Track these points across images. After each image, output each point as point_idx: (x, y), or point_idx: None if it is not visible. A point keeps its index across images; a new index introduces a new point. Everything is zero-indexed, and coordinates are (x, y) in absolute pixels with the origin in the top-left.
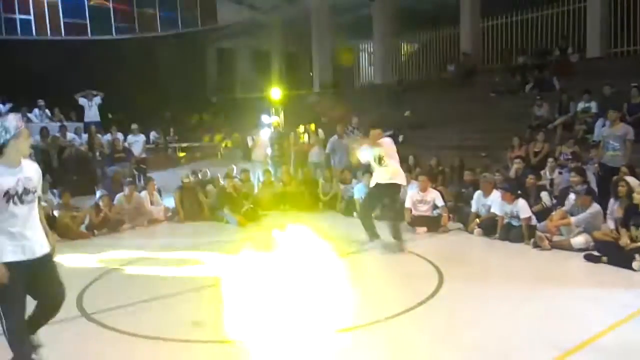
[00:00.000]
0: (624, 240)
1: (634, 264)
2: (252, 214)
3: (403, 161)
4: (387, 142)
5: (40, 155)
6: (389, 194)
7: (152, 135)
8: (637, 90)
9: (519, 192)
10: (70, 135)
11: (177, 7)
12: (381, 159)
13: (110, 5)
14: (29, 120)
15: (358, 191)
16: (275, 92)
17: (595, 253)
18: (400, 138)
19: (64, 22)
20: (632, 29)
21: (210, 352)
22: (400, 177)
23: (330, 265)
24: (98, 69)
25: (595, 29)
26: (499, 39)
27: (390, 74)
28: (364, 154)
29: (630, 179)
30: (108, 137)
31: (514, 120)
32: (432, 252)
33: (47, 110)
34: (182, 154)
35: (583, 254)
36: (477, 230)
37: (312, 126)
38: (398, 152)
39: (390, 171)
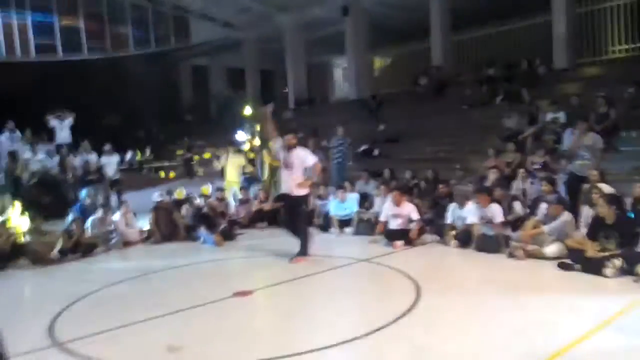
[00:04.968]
0: (591, 252)
1: (606, 271)
2: (228, 233)
3: (379, 175)
4: (294, 155)
5: (10, 179)
6: (293, 204)
7: (129, 155)
8: (603, 99)
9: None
10: (41, 156)
11: (149, 26)
12: (288, 165)
13: (81, 24)
14: None
15: (333, 207)
16: (250, 110)
17: (569, 261)
18: (376, 152)
19: (34, 43)
20: (596, 41)
21: None
22: (298, 188)
23: (307, 280)
24: (69, 89)
25: (560, 42)
26: (470, 52)
27: (364, 88)
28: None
29: (603, 186)
30: (80, 159)
31: (486, 132)
32: (409, 265)
33: (17, 132)
34: (161, 173)
35: (557, 262)
36: (453, 242)
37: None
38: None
39: (292, 179)
